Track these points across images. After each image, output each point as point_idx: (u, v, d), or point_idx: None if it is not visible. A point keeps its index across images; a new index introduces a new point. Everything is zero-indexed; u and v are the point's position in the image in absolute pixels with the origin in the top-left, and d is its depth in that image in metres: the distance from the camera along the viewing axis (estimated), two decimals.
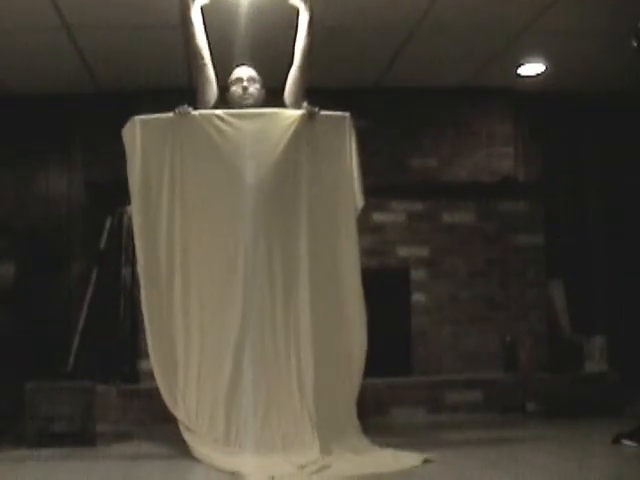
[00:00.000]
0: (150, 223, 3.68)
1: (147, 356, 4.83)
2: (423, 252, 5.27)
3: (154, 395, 4.62)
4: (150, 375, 4.80)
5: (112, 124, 5.55)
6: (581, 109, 5.98)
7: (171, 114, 3.68)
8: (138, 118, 3.69)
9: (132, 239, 5.00)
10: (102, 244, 5.18)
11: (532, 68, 5.44)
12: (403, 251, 5.26)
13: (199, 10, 3.79)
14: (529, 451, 3.58)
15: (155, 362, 3.61)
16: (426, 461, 3.25)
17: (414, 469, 3.19)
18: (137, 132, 3.67)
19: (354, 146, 3.80)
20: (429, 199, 5.32)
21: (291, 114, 3.75)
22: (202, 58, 3.81)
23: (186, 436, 3.50)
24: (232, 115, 3.71)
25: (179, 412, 3.56)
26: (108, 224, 5.18)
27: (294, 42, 3.87)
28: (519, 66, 5.41)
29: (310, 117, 3.73)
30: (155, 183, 3.67)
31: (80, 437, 3.89)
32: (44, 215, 5.57)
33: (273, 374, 3.57)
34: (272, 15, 4.28)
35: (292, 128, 3.70)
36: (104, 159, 5.60)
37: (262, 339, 3.59)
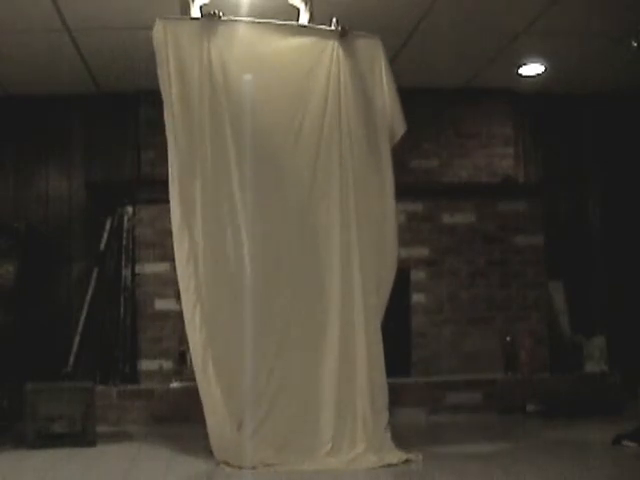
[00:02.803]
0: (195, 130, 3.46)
1: (147, 357, 4.91)
2: (423, 252, 5.27)
3: (154, 395, 4.66)
4: (149, 375, 4.85)
5: (112, 124, 5.66)
6: (581, 109, 5.98)
7: (199, 17, 3.57)
8: (165, 19, 3.48)
9: (133, 238, 5.07)
10: (102, 244, 5.18)
11: (532, 68, 5.44)
12: (403, 252, 5.21)
13: (199, 10, 3.79)
14: (529, 451, 3.58)
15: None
16: (407, 461, 3.28)
17: (414, 470, 3.20)
18: (168, 33, 3.46)
19: (389, 70, 3.74)
20: (429, 200, 5.31)
21: (321, 34, 3.65)
22: None
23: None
24: (261, 36, 3.61)
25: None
26: (108, 225, 5.18)
27: None
28: (519, 66, 5.41)
29: (342, 35, 3.67)
30: (195, 89, 3.46)
31: (80, 437, 3.89)
32: (44, 215, 5.57)
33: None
34: (272, 16, 4.27)
35: (320, 53, 3.63)
36: (104, 159, 5.62)
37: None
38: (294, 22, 3.74)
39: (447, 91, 5.74)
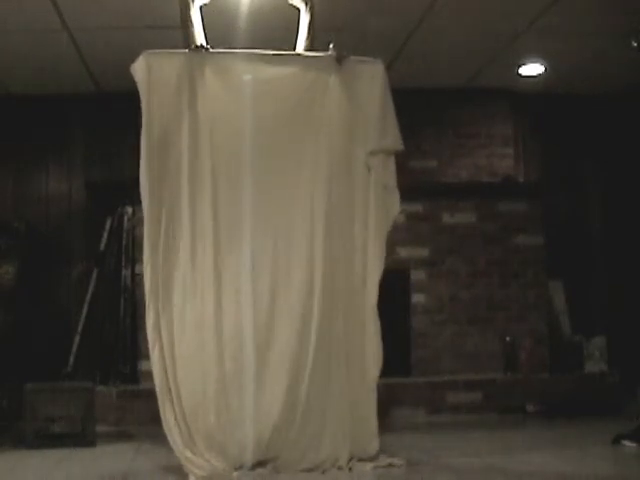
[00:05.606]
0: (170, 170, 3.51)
1: (147, 357, 4.88)
2: (423, 253, 5.26)
3: (154, 395, 4.65)
4: (149, 375, 4.84)
5: (112, 124, 5.65)
6: (581, 109, 5.98)
7: (185, 50, 3.53)
8: (149, 52, 3.49)
9: (133, 239, 5.06)
10: (102, 244, 5.18)
11: (532, 68, 5.45)
12: (403, 252, 5.25)
13: (198, 10, 3.78)
14: (529, 451, 3.58)
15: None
16: (390, 465, 3.25)
17: (415, 470, 3.20)
18: (149, 68, 3.48)
19: (388, 95, 3.57)
20: (429, 200, 5.31)
21: (316, 62, 3.51)
22: None
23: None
24: (250, 62, 3.51)
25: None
26: (108, 224, 5.19)
27: (295, 44, 3.86)
28: (519, 66, 5.42)
29: (338, 61, 3.52)
30: (174, 126, 3.47)
31: (80, 438, 3.89)
32: (44, 215, 5.57)
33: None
34: (272, 16, 4.27)
35: (313, 80, 3.49)
36: (104, 159, 5.62)
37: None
38: (288, 52, 3.63)
39: (447, 91, 5.74)
